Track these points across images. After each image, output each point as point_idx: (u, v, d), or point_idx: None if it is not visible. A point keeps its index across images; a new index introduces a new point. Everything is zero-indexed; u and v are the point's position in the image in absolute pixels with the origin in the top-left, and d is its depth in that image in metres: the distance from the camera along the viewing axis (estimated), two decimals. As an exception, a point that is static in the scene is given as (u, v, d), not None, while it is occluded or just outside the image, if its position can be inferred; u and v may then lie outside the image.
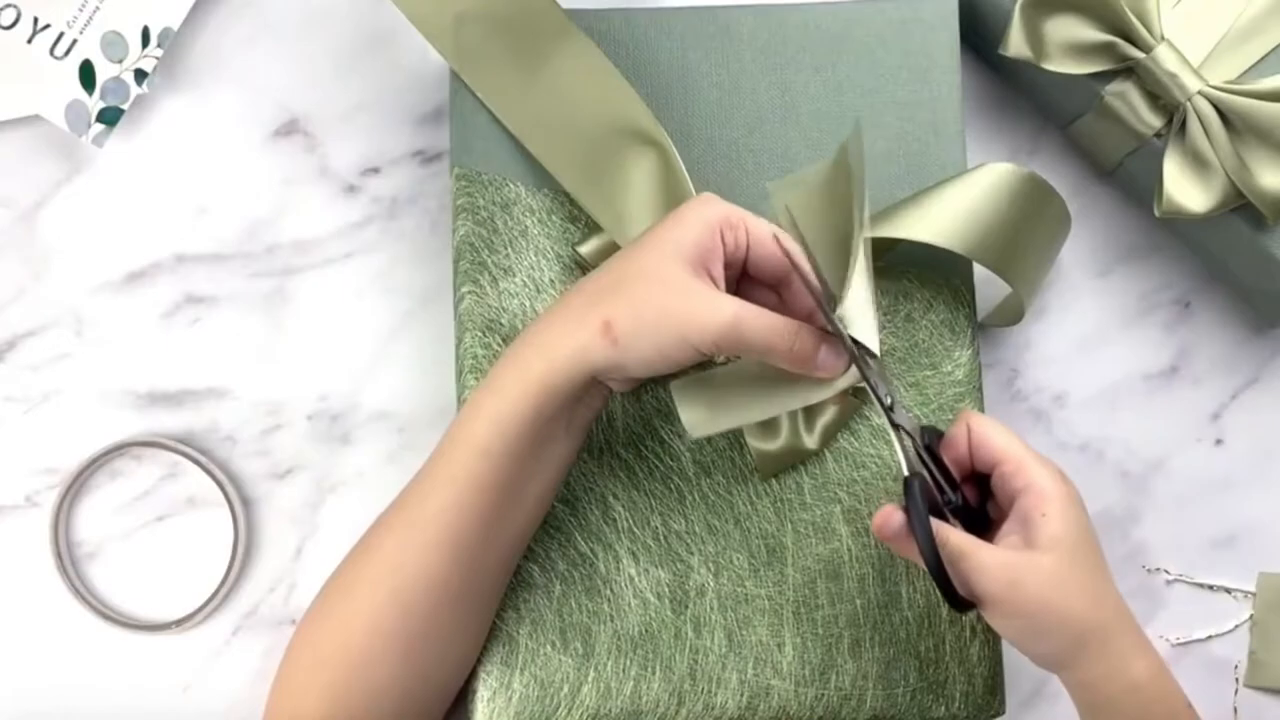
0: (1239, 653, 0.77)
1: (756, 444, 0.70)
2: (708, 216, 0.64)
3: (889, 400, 0.64)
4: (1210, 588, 0.78)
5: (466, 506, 0.65)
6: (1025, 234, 0.71)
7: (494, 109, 0.72)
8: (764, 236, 0.64)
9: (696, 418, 0.65)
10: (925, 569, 0.63)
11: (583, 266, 0.72)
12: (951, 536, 0.63)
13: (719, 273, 0.64)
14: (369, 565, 0.66)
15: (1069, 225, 0.74)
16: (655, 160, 0.71)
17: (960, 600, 0.63)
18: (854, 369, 0.64)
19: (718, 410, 0.65)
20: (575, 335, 0.63)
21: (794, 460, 0.71)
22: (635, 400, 0.72)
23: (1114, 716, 0.64)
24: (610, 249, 0.71)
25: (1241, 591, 0.78)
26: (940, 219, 0.69)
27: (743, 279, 0.66)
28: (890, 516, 0.63)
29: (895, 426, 0.65)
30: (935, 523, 0.63)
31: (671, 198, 0.71)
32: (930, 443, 0.66)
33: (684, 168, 0.71)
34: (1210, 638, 0.77)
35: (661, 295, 0.62)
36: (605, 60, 0.72)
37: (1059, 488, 0.64)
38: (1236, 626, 0.77)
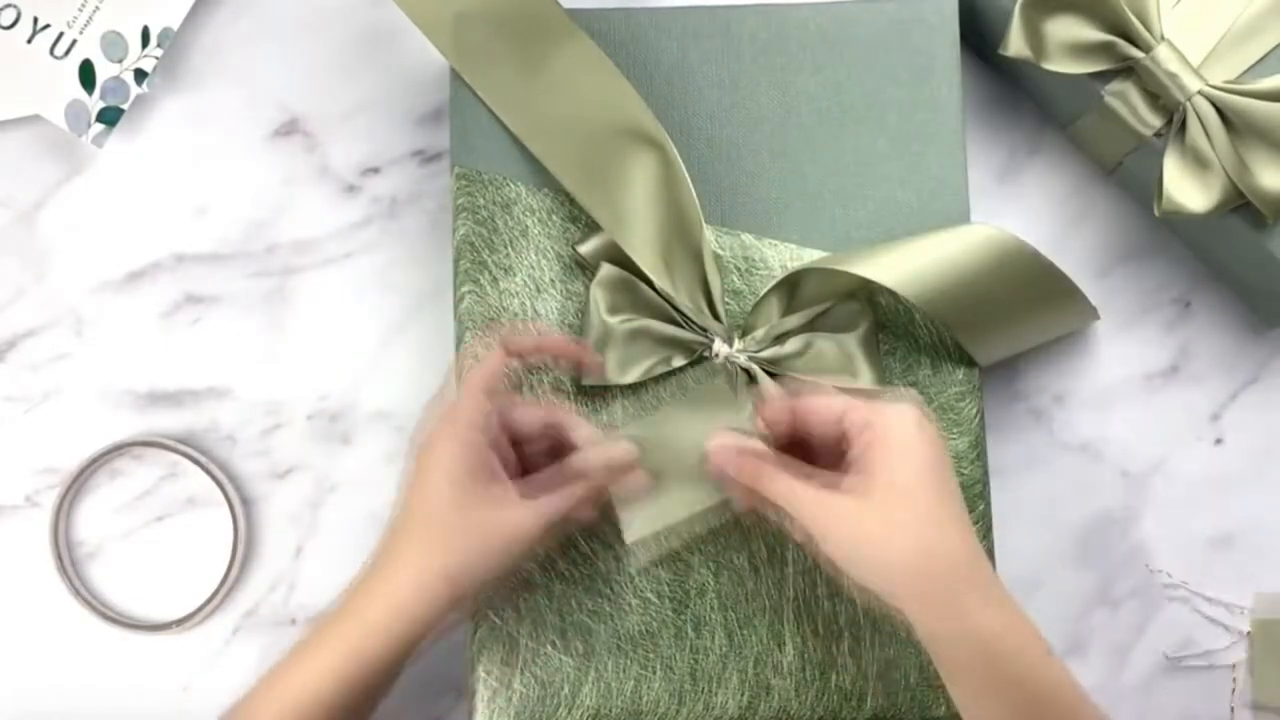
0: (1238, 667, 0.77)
1: None
2: (459, 428, 0.65)
3: None
4: (1208, 600, 0.77)
5: None
6: (998, 303, 0.71)
7: (494, 108, 0.72)
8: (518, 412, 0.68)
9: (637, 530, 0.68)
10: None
11: (583, 266, 0.72)
12: (777, 480, 0.63)
13: (498, 470, 0.66)
14: None
15: (1080, 312, 0.75)
16: (656, 160, 0.71)
17: None
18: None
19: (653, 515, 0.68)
20: (396, 594, 0.64)
21: None
22: (635, 399, 0.72)
23: (963, 671, 0.61)
24: (610, 248, 0.71)
25: (1240, 607, 0.77)
26: (901, 263, 0.70)
27: None
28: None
29: None
30: (769, 468, 0.64)
31: (671, 198, 0.71)
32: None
33: (684, 168, 0.71)
34: (1206, 653, 0.77)
35: (466, 536, 0.64)
36: (606, 60, 0.72)
37: (898, 429, 0.61)
38: (1233, 644, 0.77)
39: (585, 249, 0.71)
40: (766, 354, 0.71)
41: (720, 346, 0.71)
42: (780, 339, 0.71)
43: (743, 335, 0.71)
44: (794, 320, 0.71)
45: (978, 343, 0.72)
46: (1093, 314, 0.76)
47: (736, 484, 0.66)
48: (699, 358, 0.71)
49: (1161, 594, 0.78)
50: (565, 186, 0.72)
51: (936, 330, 0.72)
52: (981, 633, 0.60)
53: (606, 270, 0.71)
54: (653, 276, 0.70)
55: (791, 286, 0.71)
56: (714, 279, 0.71)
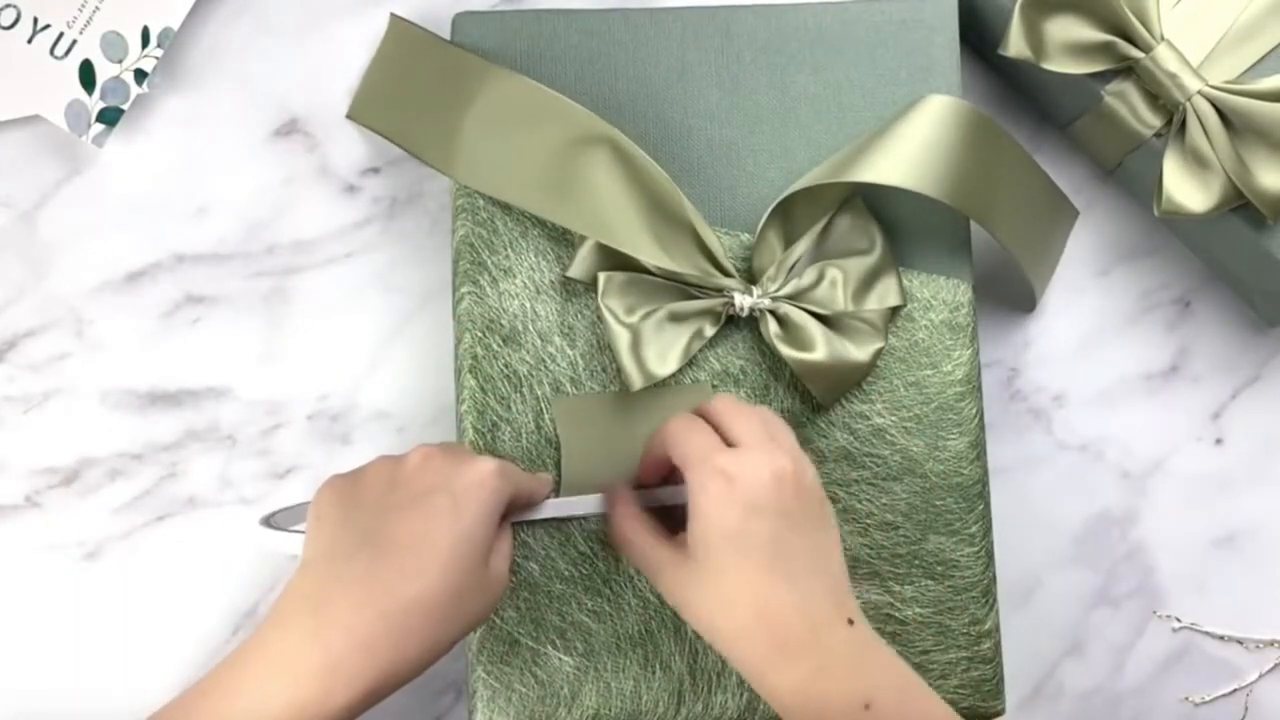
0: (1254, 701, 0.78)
1: (794, 354, 0.70)
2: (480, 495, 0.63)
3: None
4: (1221, 638, 0.77)
5: None
6: (987, 171, 0.71)
7: (435, 165, 0.72)
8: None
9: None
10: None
11: (581, 285, 0.72)
12: (635, 542, 0.66)
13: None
14: None
15: (1046, 185, 0.75)
16: (609, 154, 0.71)
17: None
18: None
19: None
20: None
21: (847, 375, 0.71)
22: (635, 400, 0.72)
23: None
24: (597, 259, 0.71)
25: (1255, 641, 0.77)
26: (894, 159, 0.70)
27: None
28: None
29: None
30: (632, 518, 0.67)
31: (639, 180, 0.70)
32: None
33: (638, 147, 0.71)
34: (1221, 697, 0.77)
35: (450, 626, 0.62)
36: (529, 82, 0.71)
37: (699, 497, 0.62)
38: (1249, 682, 0.77)
39: (575, 271, 0.71)
40: (786, 290, 0.70)
41: (741, 300, 0.70)
42: (793, 270, 0.71)
43: (755, 283, 0.71)
44: (799, 248, 0.71)
45: (990, 220, 0.71)
46: (1071, 211, 0.76)
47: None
48: (727, 318, 0.71)
49: (1162, 595, 0.78)
50: (532, 212, 0.71)
51: (936, 330, 0.72)
52: (777, 693, 0.61)
53: (606, 278, 0.70)
54: (651, 260, 0.70)
55: (784, 218, 0.71)
56: (709, 238, 0.70)
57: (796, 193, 0.71)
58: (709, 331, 0.71)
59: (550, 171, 0.71)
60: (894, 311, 0.72)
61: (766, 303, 0.70)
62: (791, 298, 0.70)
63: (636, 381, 0.70)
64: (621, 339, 0.70)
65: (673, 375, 0.71)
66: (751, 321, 0.72)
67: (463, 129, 0.72)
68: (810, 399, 0.72)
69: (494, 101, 0.72)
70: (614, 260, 0.71)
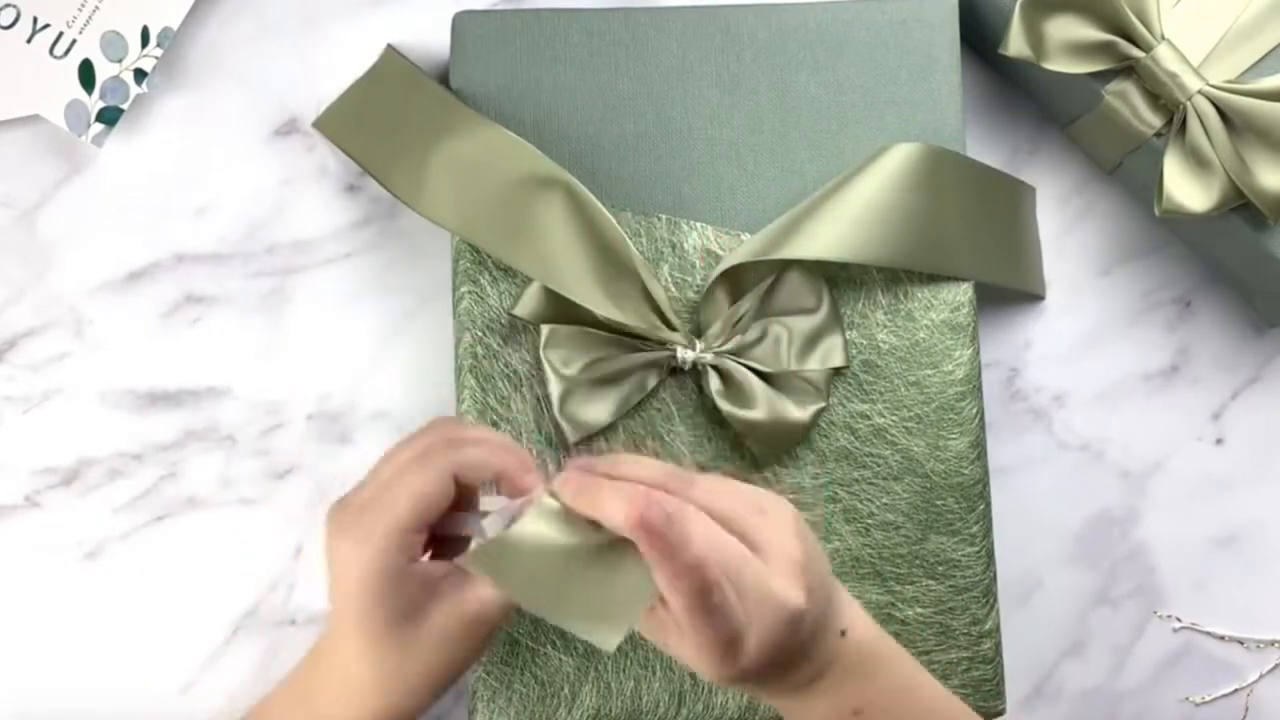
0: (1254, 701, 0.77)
1: (736, 411, 0.70)
2: (376, 544, 0.60)
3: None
4: (1222, 638, 0.77)
5: None
6: (942, 214, 0.72)
7: (400, 195, 0.72)
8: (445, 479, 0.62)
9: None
10: None
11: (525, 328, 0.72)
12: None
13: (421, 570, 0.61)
14: None
15: (1016, 190, 0.75)
16: (562, 198, 0.71)
17: None
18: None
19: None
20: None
21: (786, 434, 0.71)
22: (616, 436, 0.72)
23: None
24: (546, 297, 0.70)
25: (1255, 641, 0.77)
26: (829, 226, 0.70)
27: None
28: None
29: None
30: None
31: (589, 226, 0.71)
32: None
33: (591, 195, 0.70)
34: (1221, 697, 0.77)
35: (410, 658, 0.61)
36: (497, 127, 0.71)
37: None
38: (1249, 683, 0.77)
39: (521, 310, 0.71)
40: (729, 346, 0.70)
41: (684, 354, 0.70)
42: (737, 326, 0.71)
43: (701, 335, 0.71)
44: (746, 303, 0.71)
45: (948, 267, 0.72)
46: (1030, 191, 0.77)
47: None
48: (670, 371, 0.71)
49: (1162, 595, 0.78)
50: (485, 249, 0.71)
51: (937, 329, 0.72)
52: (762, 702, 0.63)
53: (551, 331, 0.70)
54: (597, 310, 0.70)
55: (733, 275, 0.71)
56: (656, 290, 0.70)
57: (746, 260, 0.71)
58: (650, 383, 0.71)
59: (504, 212, 0.71)
60: (836, 372, 0.72)
61: (709, 358, 0.70)
62: (734, 353, 0.70)
63: (570, 435, 0.70)
64: (555, 392, 0.70)
65: (609, 424, 0.70)
66: (695, 374, 0.71)
67: (429, 164, 0.72)
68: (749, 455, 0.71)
69: (461, 143, 0.71)
70: (559, 303, 0.70)
